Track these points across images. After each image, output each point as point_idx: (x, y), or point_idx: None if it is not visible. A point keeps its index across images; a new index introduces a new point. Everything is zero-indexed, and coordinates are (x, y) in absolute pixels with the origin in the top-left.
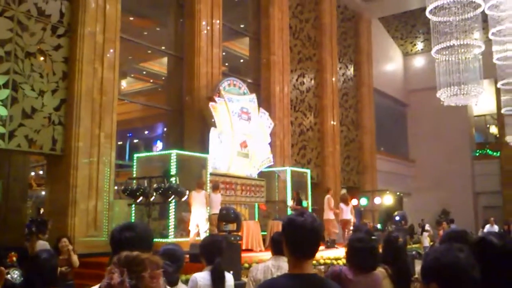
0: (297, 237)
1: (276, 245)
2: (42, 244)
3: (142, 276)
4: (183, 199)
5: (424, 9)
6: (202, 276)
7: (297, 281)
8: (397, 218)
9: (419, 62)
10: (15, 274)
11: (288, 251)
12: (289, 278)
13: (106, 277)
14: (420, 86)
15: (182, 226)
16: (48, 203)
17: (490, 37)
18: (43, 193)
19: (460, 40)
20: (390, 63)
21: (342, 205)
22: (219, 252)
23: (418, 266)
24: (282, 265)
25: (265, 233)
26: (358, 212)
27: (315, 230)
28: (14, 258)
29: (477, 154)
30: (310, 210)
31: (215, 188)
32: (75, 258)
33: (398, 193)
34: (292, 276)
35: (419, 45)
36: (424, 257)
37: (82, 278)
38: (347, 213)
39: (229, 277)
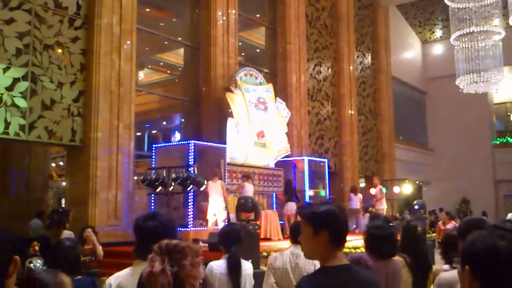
0: (341, 228)
1: (294, 234)
2: (68, 234)
3: (183, 264)
4: (202, 188)
5: None
6: (218, 265)
7: (334, 274)
8: (416, 207)
9: (438, 49)
10: (37, 263)
11: (329, 243)
12: (327, 272)
13: (148, 265)
14: (439, 74)
15: (201, 216)
16: (69, 194)
17: (511, 23)
18: (64, 183)
19: (479, 26)
20: (409, 50)
21: (351, 195)
22: (237, 240)
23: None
24: (301, 254)
25: (283, 222)
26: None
27: (346, 218)
28: (37, 248)
29: (498, 142)
30: (328, 199)
31: (247, 177)
32: (99, 249)
33: (417, 182)
34: (329, 269)
35: (438, 33)
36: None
37: (103, 267)
38: (356, 203)
39: (247, 266)
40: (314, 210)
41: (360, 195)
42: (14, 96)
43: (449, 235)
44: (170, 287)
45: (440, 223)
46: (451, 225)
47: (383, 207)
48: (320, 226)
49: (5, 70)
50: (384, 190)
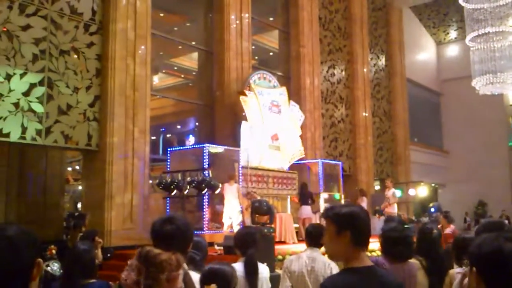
0: (364, 229)
1: (311, 237)
2: None
3: (159, 279)
4: (217, 192)
5: None
6: (235, 268)
7: (359, 276)
8: (432, 209)
9: (452, 50)
10: (54, 266)
11: (352, 243)
12: (351, 273)
13: (124, 272)
14: (454, 75)
15: (216, 219)
16: (85, 198)
17: None
18: (80, 187)
19: (495, 27)
20: (423, 52)
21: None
22: (253, 243)
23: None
24: (317, 257)
25: (298, 225)
26: None
27: (369, 220)
28: (54, 251)
29: None
30: (342, 202)
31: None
32: (99, 253)
33: (433, 185)
34: (353, 271)
35: (452, 34)
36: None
37: (119, 269)
38: (365, 205)
39: (264, 269)
40: (337, 211)
41: (365, 199)
42: (30, 101)
43: (459, 239)
44: None
45: (439, 227)
46: (449, 229)
47: (394, 211)
48: (342, 226)
49: (22, 75)
50: (398, 193)
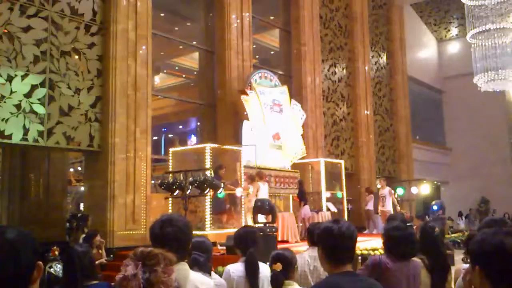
0: (335, 245)
1: (312, 236)
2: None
3: (155, 270)
4: (219, 192)
5: None
6: (235, 268)
7: (349, 277)
8: (435, 207)
9: (454, 47)
10: (57, 268)
11: (325, 259)
12: (341, 276)
13: (121, 269)
14: (456, 72)
15: (219, 219)
16: (88, 199)
17: None
18: (82, 188)
19: (496, 24)
20: (424, 49)
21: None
22: (253, 242)
23: (457, 256)
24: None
25: (300, 224)
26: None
27: (351, 236)
28: (57, 252)
29: None
30: (345, 201)
31: (260, 176)
32: (103, 253)
33: (435, 182)
34: (342, 274)
35: (454, 31)
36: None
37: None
38: (369, 204)
39: (265, 268)
40: (316, 227)
41: (371, 196)
42: (32, 103)
43: (471, 235)
44: None
45: (414, 228)
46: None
47: (389, 209)
48: (318, 241)
49: (23, 77)
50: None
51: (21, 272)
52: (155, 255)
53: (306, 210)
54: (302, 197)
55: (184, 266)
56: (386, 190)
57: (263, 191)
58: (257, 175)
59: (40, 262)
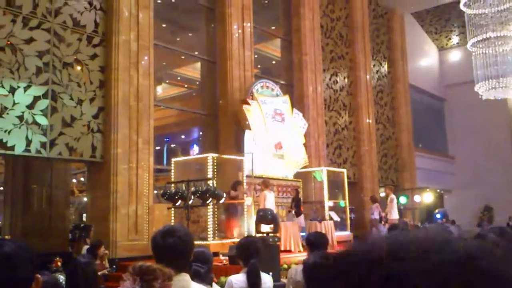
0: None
1: (311, 246)
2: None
3: (152, 285)
4: (221, 201)
5: (458, 2)
6: (238, 279)
7: None
8: (438, 215)
9: (455, 56)
10: (60, 279)
11: None
12: None
13: (120, 284)
14: (457, 81)
15: (222, 228)
16: (90, 209)
17: None
18: (85, 199)
19: (496, 32)
20: (425, 58)
21: (374, 205)
22: (255, 252)
23: None
24: None
25: (303, 233)
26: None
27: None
28: (59, 263)
29: None
30: (347, 209)
31: (266, 185)
32: (106, 264)
33: (438, 191)
34: None
35: (455, 39)
36: None
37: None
38: (375, 213)
39: (267, 279)
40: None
41: (377, 205)
42: (35, 114)
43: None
44: None
45: None
46: None
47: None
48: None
49: (26, 88)
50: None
51: (19, 285)
52: (153, 270)
53: (301, 220)
54: (297, 207)
55: (185, 277)
56: (389, 199)
57: (270, 200)
58: (263, 183)
59: (38, 275)
